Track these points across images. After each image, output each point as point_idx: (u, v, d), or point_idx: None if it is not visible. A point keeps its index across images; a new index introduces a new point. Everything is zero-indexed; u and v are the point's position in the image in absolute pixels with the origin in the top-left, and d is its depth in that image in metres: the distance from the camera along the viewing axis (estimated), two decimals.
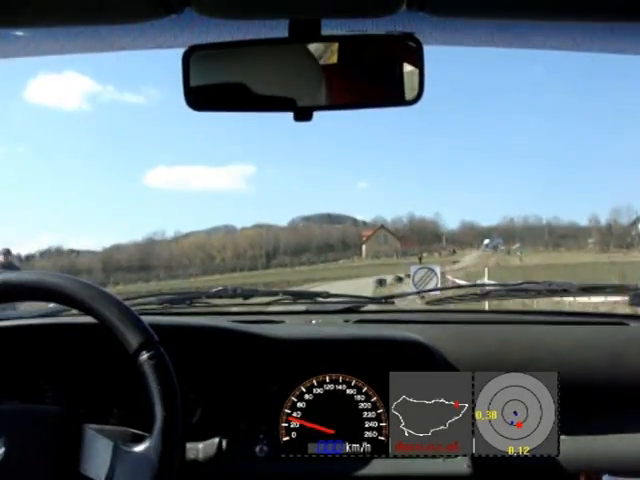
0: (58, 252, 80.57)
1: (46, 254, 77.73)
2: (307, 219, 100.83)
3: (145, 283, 60.27)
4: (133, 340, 1.01)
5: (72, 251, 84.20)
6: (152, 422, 0.99)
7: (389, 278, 32.58)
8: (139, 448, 0.99)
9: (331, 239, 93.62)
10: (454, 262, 53.92)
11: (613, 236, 76.99)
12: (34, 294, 1.08)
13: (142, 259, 79.61)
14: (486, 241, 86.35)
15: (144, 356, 1.00)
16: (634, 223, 79.21)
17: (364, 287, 20.96)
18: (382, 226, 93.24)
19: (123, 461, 0.97)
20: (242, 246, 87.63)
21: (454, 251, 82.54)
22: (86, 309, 1.04)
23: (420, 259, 56.10)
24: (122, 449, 0.98)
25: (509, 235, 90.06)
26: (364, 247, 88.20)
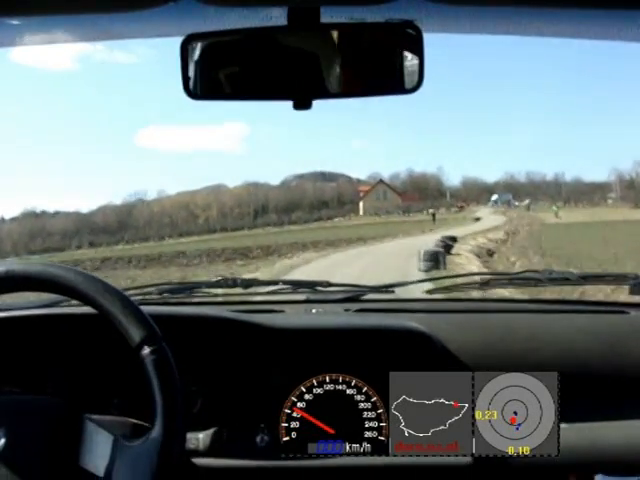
0: (26, 215, 74.61)
1: (17, 218, 72.35)
2: (300, 177, 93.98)
3: (113, 246, 52.54)
4: (135, 334, 1.01)
5: (44, 213, 78.26)
6: (153, 416, 0.99)
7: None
8: (139, 442, 0.99)
9: (325, 196, 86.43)
10: (476, 220, 47.22)
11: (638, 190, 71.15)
12: (37, 285, 1.08)
13: (120, 221, 72.55)
14: (494, 196, 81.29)
15: (146, 351, 1.00)
16: None
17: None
18: (381, 180, 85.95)
19: (123, 455, 0.97)
20: (229, 204, 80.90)
21: (462, 207, 75.48)
22: (89, 302, 1.04)
23: (434, 216, 51.71)
24: (122, 443, 0.99)
25: (515, 191, 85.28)
26: (361, 204, 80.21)
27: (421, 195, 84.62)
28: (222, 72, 1.14)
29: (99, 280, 1.05)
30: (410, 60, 1.11)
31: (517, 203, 74.77)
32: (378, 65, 1.14)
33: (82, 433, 1.00)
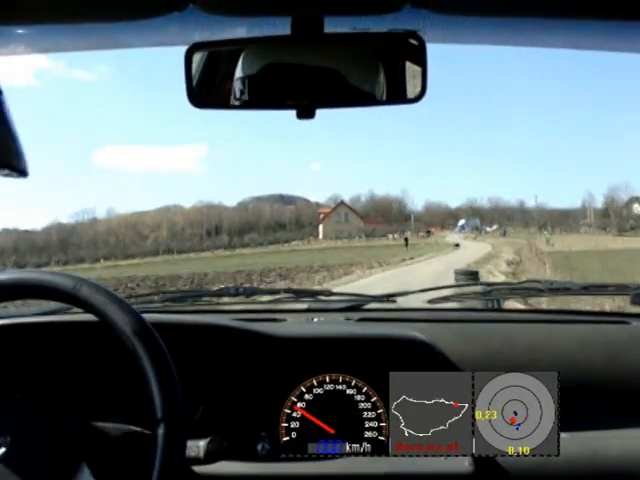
0: None
1: None
2: (258, 199, 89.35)
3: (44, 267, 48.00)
4: (126, 328, 1.00)
5: None
6: (154, 423, 0.98)
7: None
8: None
9: (282, 218, 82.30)
10: (455, 246, 42.87)
11: (612, 217, 70.17)
12: (42, 293, 1.08)
13: (62, 239, 68.68)
14: (461, 221, 79.84)
15: (139, 343, 0.99)
16: (628, 204, 72.79)
17: None
18: (342, 202, 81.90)
19: None
20: (180, 225, 76.37)
21: (429, 232, 73.23)
22: (96, 314, 1.03)
23: (407, 241, 47.05)
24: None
25: (480, 216, 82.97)
26: (321, 227, 76.82)
27: (384, 219, 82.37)
28: (226, 81, 1.14)
29: (104, 289, 1.05)
30: (413, 70, 1.12)
31: (488, 229, 74.43)
32: (381, 75, 1.14)
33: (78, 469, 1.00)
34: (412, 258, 30.73)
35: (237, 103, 1.16)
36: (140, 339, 1.01)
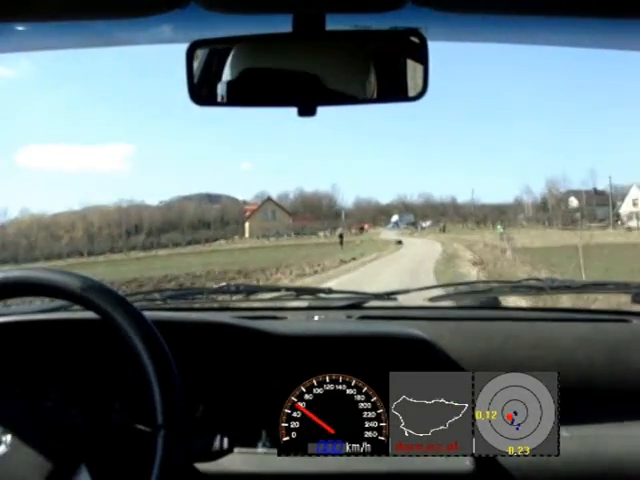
0: None
1: None
2: (186, 199, 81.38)
3: None
4: (132, 333, 1.01)
5: None
6: (155, 421, 0.99)
7: None
8: None
9: (207, 217, 75.16)
10: (398, 243, 37.86)
11: (551, 211, 65.08)
12: (44, 291, 1.08)
13: None
14: (395, 217, 74.68)
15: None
16: (564, 197, 67.13)
17: None
18: (269, 198, 74.91)
19: None
20: (97, 225, 68.44)
21: (362, 228, 67.52)
22: (102, 315, 1.04)
23: (342, 238, 40.88)
24: None
25: (412, 212, 77.39)
26: (247, 225, 70.06)
27: (314, 215, 75.41)
28: (227, 78, 1.14)
29: (108, 289, 1.05)
30: (414, 68, 1.12)
31: (424, 224, 70.11)
32: (383, 72, 1.14)
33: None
34: (354, 259, 25.24)
35: (238, 100, 1.16)
36: (144, 343, 1.01)
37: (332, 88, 1.12)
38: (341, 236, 42.65)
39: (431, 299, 1.84)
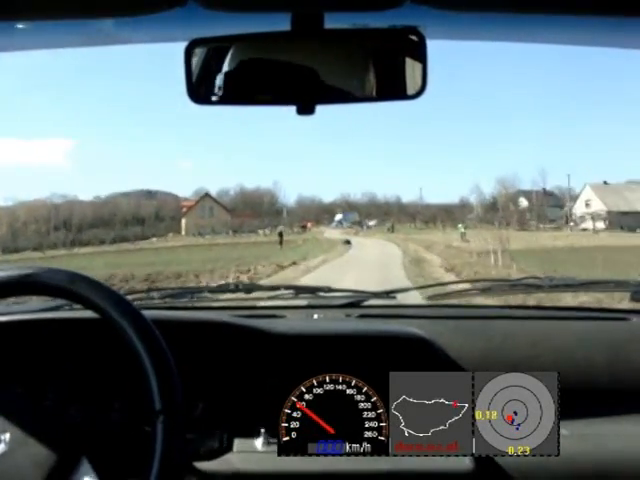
0: None
1: None
2: (125, 195, 76.40)
3: None
4: (130, 331, 1.00)
5: None
6: (153, 424, 0.98)
7: None
8: None
9: (142, 213, 69.87)
10: (346, 243, 34.29)
11: (502, 212, 60.82)
12: (33, 289, 1.07)
13: None
14: (338, 216, 72.10)
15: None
16: (514, 197, 64.72)
17: None
18: (207, 194, 71.08)
19: None
20: (23, 220, 62.20)
21: (305, 227, 64.25)
22: (98, 312, 1.03)
23: (281, 236, 37.26)
24: None
25: (357, 211, 74.84)
26: (184, 221, 66.58)
27: (254, 212, 72.39)
28: (226, 77, 1.14)
29: (104, 286, 1.05)
30: (413, 66, 1.11)
31: (370, 223, 67.56)
32: (381, 71, 1.14)
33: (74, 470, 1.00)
34: (294, 263, 20.97)
35: (236, 99, 1.16)
36: (137, 333, 1.01)
37: (331, 86, 1.12)
38: (281, 234, 38.85)
39: (430, 297, 1.84)
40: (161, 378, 0.98)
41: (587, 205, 55.76)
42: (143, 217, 69.25)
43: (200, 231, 60.70)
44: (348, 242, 35.23)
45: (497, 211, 63.63)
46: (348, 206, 78.73)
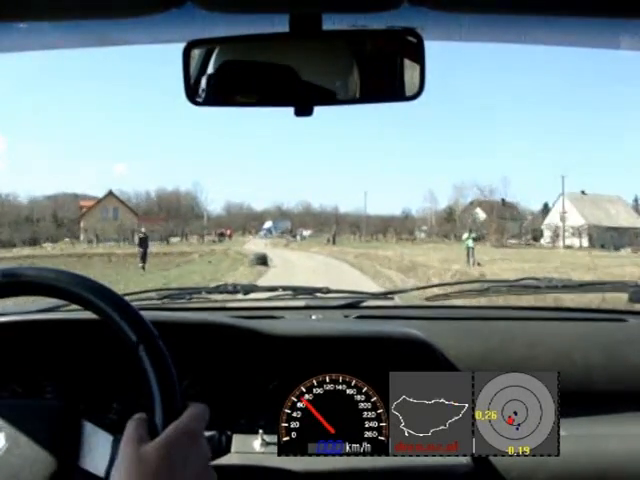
0: None
1: None
2: (51, 198, 66.56)
3: None
4: (132, 334, 1.00)
5: None
6: (152, 413, 0.98)
7: None
8: None
9: (35, 214, 60.00)
10: (258, 262, 22.58)
11: (459, 223, 55.21)
12: (30, 289, 1.07)
13: None
14: (268, 224, 65.32)
15: (142, 350, 0.99)
16: (468, 209, 58.70)
17: None
18: (111, 192, 60.84)
19: None
20: None
21: (222, 234, 57.22)
22: (83, 303, 1.03)
23: (143, 245, 25.77)
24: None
25: (290, 220, 69.05)
26: (82, 224, 57.20)
27: (169, 215, 63.25)
28: (224, 78, 1.14)
29: (92, 280, 1.04)
30: (411, 67, 1.11)
31: (305, 232, 59.93)
32: (379, 72, 1.14)
33: (81, 435, 0.99)
34: None
35: (234, 100, 1.16)
36: (141, 341, 1.00)
37: (329, 88, 1.12)
38: (143, 241, 26.32)
39: (428, 298, 1.84)
40: (160, 379, 0.98)
41: (562, 218, 50.73)
42: (37, 219, 59.57)
43: (99, 236, 51.14)
44: (263, 260, 23.24)
45: (453, 222, 58.40)
46: (281, 214, 73.27)
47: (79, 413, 1.03)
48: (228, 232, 59.04)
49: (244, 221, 72.48)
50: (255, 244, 45.75)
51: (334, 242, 47.82)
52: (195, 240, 54.74)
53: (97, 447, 0.98)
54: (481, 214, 58.30)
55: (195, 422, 0.85)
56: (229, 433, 1.32)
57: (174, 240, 54.30)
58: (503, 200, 59.12)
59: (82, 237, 53.35)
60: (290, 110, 1.12)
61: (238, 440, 1.32)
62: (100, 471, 0.96)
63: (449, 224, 59.29)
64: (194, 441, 0.83)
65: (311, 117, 1.12)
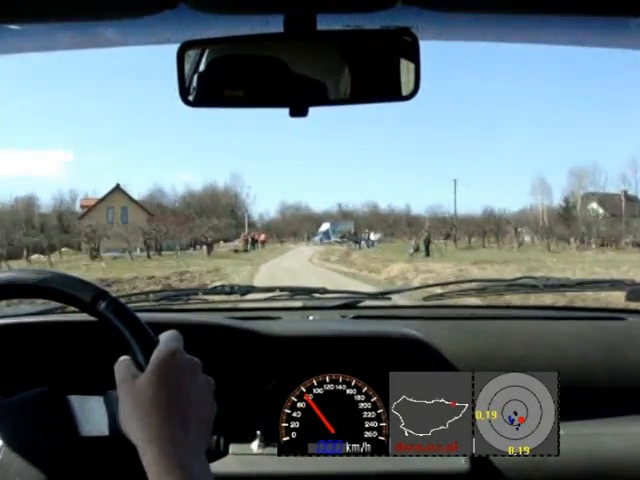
0: None
1: None
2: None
3: None
4: (86, 296, 1.00)
5: None
6: (133, 354, 0.98)
7: None
8: None
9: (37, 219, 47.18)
10: None
11: (580, 221, 40.35)
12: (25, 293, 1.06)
13: None
14: (324, 226, 52.03)
15: (102, 306, 0.98)
16: (584, 202, 44.65)
17: None
18: (117, 187, 47.61)
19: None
20: None
21: (253, 240, 42.18)
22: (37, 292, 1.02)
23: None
24: (114, 394, 0.98)
25: (356, 222, 54.50)
26: (83, 228, 39.58)
27: (197, 216, 47.67)
28: (218, 79, 1.14)
29: (40, 270, 1.04)
30: (406, 67, 1.11)
31: (373, 236, 43.86)
32: (374, 72, 1.14)
33: (71, 409, 0.99)
34: None
35: (229, 101, 1.16)
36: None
37: (324, 88, 1.12)
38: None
39: (425, 298, 1.84)
40: (139, 339, 0.98)
41: None
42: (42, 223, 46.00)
43: (99, 244, 36.53)
44: None
45: (570, 220, 42.22)
46: (343, 216, 60.59)
47: (64, 391, 1.03)
48: (261, 237, 45.29)
49: (300, 225, 60.96)
50: (295, 256, 31.23)
51: (428, 252, 29.65)
52: (205, 250, 36.36)
53: (91, 412, 0.98)
54: (597, 209, 44.61)
55: (171, 343, 0.89)
56: (226, 435, 1.31)
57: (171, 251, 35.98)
58: (625, 192, 44.77)
59: (83, 245, 39.38)
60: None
61: (235, 442, 1.32)
62: (104, 431, 0.96)
63: (565, 223, 42.39)
64: (179, 359, 0.87)
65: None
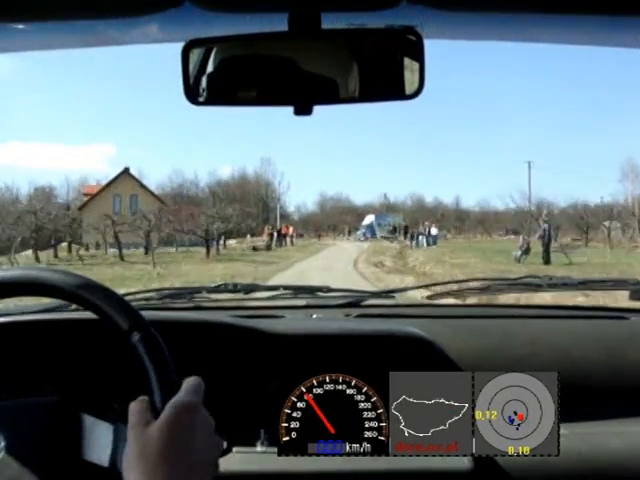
0: None
1: None
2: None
3: None
4: (123, 323, 1.00)
5: None
6: (150, 393, 0.98)
7: None
8: None
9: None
10: None
11: None
12: (20, 290, 1.07)
13: None
14: (368, 219, 46.52)
15: (136, 337, 0.99)
16: None
17: None
18: (126, 170, 41.87)
19: (125, 442, 0.97)
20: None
21: (279, 234, 36.23)
22: (74, 299, 1.03)
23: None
24: (124, 430, 0.98)
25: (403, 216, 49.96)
26: (85, 219, 33.15)
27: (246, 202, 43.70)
28: (223, 78, 1.14)
29: (81, 276, 1.04)
30: (411, 66, 1.11)
31: (435, 230, 35.06)
32: (379, 71, 1.14)
33: (81, 428, 0.99)
34: None
35: (234, 99, 1.16)
36: (141, 342, 1.00)
37: (328, 87, 1.12)
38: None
39: (429, 297, 1.84)
40: (161, 380, 0.98)
41: None
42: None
43: (104, 239, 30.17)
44: None
45: None
46: (387, 210, 54.27)
47: (77, 407, 1.03)
48: (290, 231, 38.98)
49: (339, 218, 56.02)
50: (332, 257, 23.99)
51: (548, 258, 20.57)
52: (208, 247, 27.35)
53: (99, 438, 0.98)
54: None
55: (191, 395, 0.87)
56: (229, 433, 1.32)
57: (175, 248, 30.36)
58: None
59: (85, 239, 33.62)
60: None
61: (238, 440, 1.32)
62: (104, 461, 0.96)
63: None
64: (194, 413, 0.85)
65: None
